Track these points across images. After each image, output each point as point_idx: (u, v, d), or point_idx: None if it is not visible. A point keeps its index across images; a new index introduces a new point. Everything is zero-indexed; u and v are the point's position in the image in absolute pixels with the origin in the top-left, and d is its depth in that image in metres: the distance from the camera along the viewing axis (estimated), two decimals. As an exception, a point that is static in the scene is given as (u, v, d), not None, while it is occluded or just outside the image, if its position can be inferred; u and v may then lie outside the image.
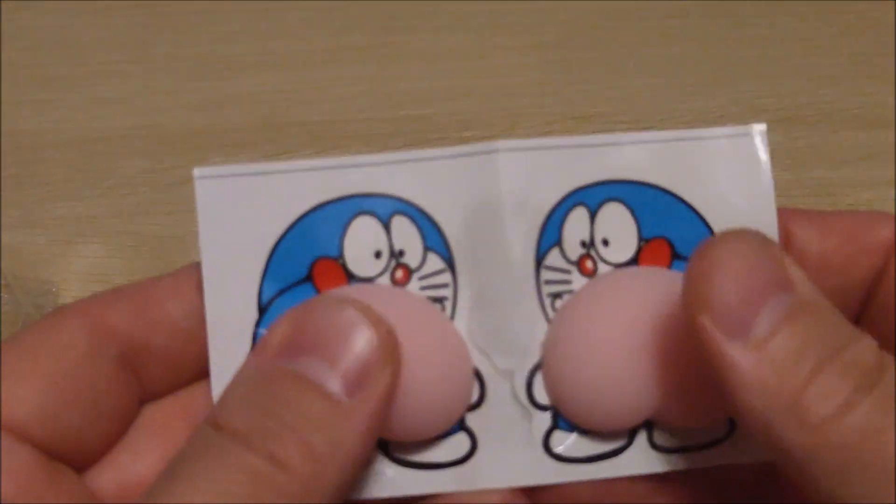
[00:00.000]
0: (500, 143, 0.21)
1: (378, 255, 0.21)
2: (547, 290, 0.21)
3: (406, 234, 0.21)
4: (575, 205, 0.22)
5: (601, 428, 0.21)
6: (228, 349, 0.21)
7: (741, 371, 0.18)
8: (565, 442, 0.21)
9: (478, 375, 0.21)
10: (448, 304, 0.22)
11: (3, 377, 0.20)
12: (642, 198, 0.22)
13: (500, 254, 0.21)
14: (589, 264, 0.22)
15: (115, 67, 0.37)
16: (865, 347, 0.18)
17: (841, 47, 0.38)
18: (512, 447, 0.21)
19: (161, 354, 0.21)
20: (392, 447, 0.21)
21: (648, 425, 0.22)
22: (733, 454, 0.22)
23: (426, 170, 0.21)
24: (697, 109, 0.38)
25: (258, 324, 0.21)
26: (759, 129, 0.22)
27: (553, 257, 0.22)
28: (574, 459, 0.21)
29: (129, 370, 0.21)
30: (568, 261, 0.22)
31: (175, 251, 0.35)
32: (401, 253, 0.21)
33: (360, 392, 0.18)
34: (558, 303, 0.22)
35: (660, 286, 0.21)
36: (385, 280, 0.21)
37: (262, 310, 0.21)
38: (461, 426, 0.21)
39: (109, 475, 0.21)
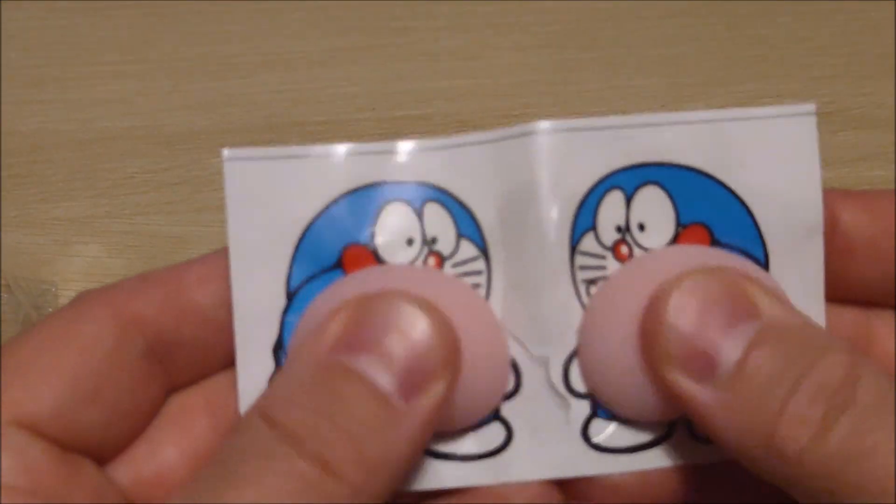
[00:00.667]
0: (535, 126, 0.20)
1: (410, 242, 0.21)
2: (581, 276, 0.21)
3: (439, 222, 0.21)
4: (610, 188, 0.21)
5: (641, 417, 0.21)
6: (255, 337, 0.21)
7: (713, 415, 0.18)
8: (605, 431, 0.21)
9: (513, 364, 0.21)
10: (482, 292, 0.21)
11: (22, 372, 0.19)
12: (681, 181, 0.21)
13: (534, 240, 0.20)
14: (624, 249, 0.21)
15: (115, 68, 0.37)
16: (834, 362, 0.17)
17: (841, 47, 0.38)
18: (549, 437, 0.21)
19: (190, 345, 0.21)
20: None
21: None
22: None
23: (459, 156, 0.21)
24: (697, 109, 0.38)
25: (286, 311, 0.21)
26: (808, 108, 0.21)
27: (587, 243, 0.21)
28: (614, 450, 0.21)
29: (157, 362, 0.21)
30: (603, 246, 0.21)
31: (175, 251, 0.35)
32: (433, 240, 0.21)
33: (417, 397, 0.18)
34: (593, 289, 0.21)
35: (694, 261, 0.20)
36: None
37: (291, 296, 0.21)
38: (496, 416, 0.21)
39: (129, 467, 0.21)
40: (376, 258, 0.21)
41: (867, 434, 0.16)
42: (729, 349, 0.18)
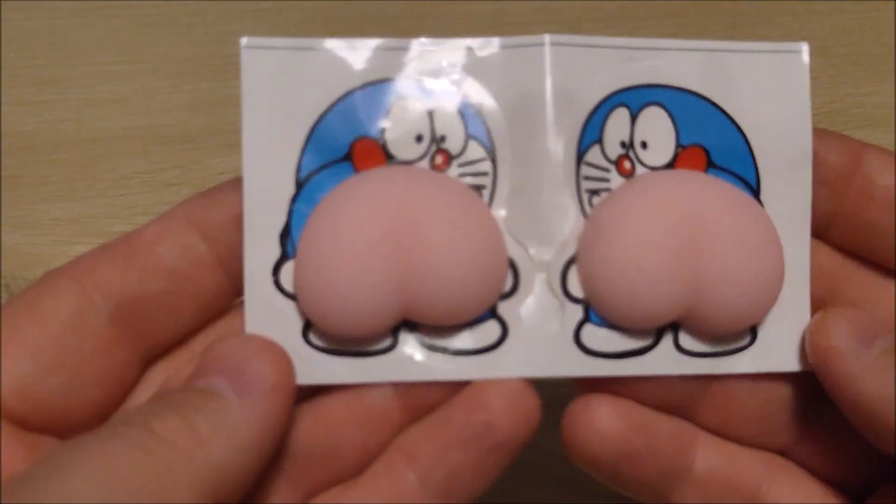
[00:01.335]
0: (549, 37, 0.21)
1: (419, 138, 0.21)
2: (586, 185, 0.22)
3: (449, 121, 0.21)
4: (617, 105, 0.22)
5: (632, 324, 0.21)
6: (263, 223, 0.21)
7: (864, 378, 0.20)
8: (596, 335, 0.21)
9: (512, 265, 0.21)
10: (486, 193, 0.22)
11: None
12: (683, 104, 0.22)
13: (542, 146, 0.21)
14: (627, 165, 0.22)
15: (114, 68, 0.37)
16: None
17: (841, 47, 0.38)
18: (542, 337, 0.21)
19: (158, 301, 0.21)
20: (421, 331, 0.21)
21: (675, 329, 0.22)
22: (755, 363, 0.22)
23: (471, 58, 0.21)
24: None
25: (294, 199, 0.21)
26: (803, 48, 0.22)
27: (593, 154, 0.22)
28: (602, 354, 0.21)
29: (127, 326, 0.21)
30: (608, 159, 0.22)
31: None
32: (442, 138, 0.21)
33: (251, 396, 0.19)
34: (595, 200, 0.22)
35: (697, 188, 0.21)
36: (425, 164, 0.21)
37: (300, 185, 0.21)
38: (492, 314, 0.21)
39: None
40: (385, 152, 0.21)
41: None
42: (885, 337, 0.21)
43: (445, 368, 0.21)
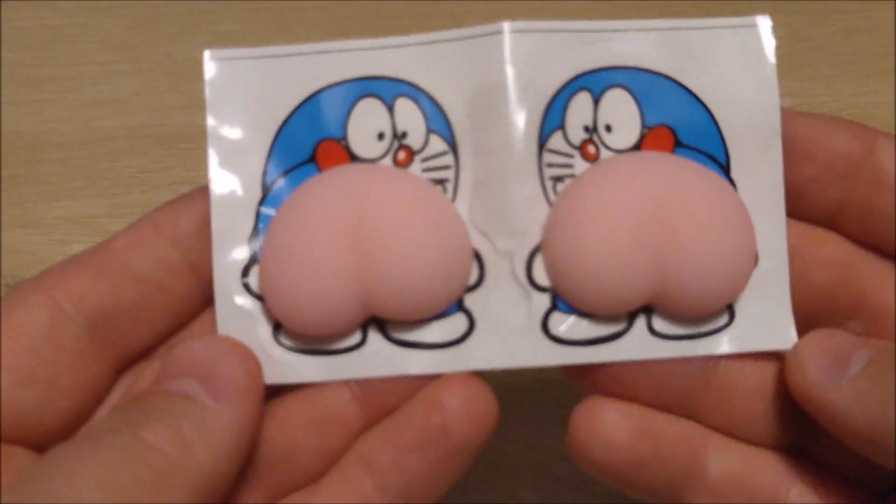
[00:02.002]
0: (506, 25, 0.21)
1: (381, 136, 0.22)
2: (549, 172, 0.21)
3: (409, 116, 0.22)
4: (579, 89, 0.22)
5: (599, 310, 0.21)
6: (231, 227, 0.21)
7: (843, 409, 0.20)
8: (564, 323, 0.21)
9: (477, 257, 0.21)
10: (450, 186, 0.22)
11: None
12: (646, 85, 0.22)
13: (503, 136, 0.21)
14: (591, 149, 0.22)
15: (114, 67, 0.37)
16: None
17: (841, 47, 0.38)
18: (509, 328, 0.21)
19: (131, 310, 0.21)
20: (389, 326, 0.21)
21: (648, 312, 0.22)
22: (733, 343, 0.22)
23: (431, 52, 0.22)
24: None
25: (261, 202, 0.21)
26: (763, 21, 0.22)
27: (555, 141, 0.21)
28: (572, 342, 0.21)
29: (101, 336, 0.21)
30: (571, 145, 0.22)
31: (174, 251, 0.35)
32: (403, 134, 0.22)
33: (225, 398, 0.19)
34: (559, 186, 0.21)
35: (663, 170, 0.21)
36: (387, 161, 0.22)
37: (267, 189, 0.21)
38: (459, 307, 0.21)
39: None
40: (348, 152, 0.22)
41: None
42: (857, 357, 0.20)
43: (414, 363, 0.21)
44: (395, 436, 0.21)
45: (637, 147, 0.22)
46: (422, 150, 0.22)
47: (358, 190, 0.21)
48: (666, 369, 0.22)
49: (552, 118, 0.21)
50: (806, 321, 0.23)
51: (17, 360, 0.20)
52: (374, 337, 0.21)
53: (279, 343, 0.21)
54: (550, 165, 0.21)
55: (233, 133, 0.21)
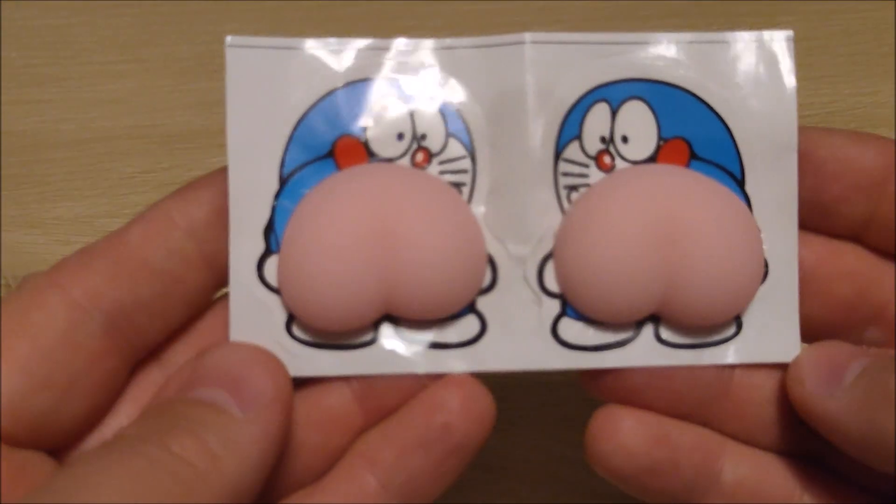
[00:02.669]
0: (528, 35, 0.21)
1: (401, 136, 0.22)
2: (564, 182, 0.22)
3: (429, 119, 0.22)
4: (597, 100, 0.22)
5: (607, 318, 0.22)
6: (247, 218, 0.21)
7: (839, 419, 0.20)
8: (572, 329, 0.22)
9: (491, 261, 0.22)
10: (466, 190, 0.22)
11: None
12: (664, 97, 0.22)
13: (521, 143, 0.21)
14: (607, 160, 0.22)
15: (115, 67, 0.37)
16: None
17: (841, 47, 0.38)
18: (520, 332, 0.22)
19: (148, 305, 0.21)
20: (403, 325, 0.22)
21: (655, 321, 0.22)
22: (739, 354, 0.22)
23: (452, 57, 0.22)
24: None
25: (278, 195, 0.22)
26: (786, 34, 0.22)
27: (572, 150, 0.22)
28: (580, 347, 0.22)
29: (118, 335, 0.21)
30: (587, 155, 0.22)
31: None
32: (423, 136, 0.22)
33: (253, 410, 0.19)
34: (574, 196, 0.22)
35: (674, 183, 0.21)
36: (405, 161, 0.22)
37: (284, 181, 0.22)
38: (471, 309, 0.22)
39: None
40: (367, 150, 0.22)
41: None
42: (853, 368, 0.21)
43: (425, 362, 0.22)
44: (399, 434, 0.21)
45: (653, 159, 0.22)
46: (440, 152, 0.22)
47: (384, 189, 0.21)
48: (682, 379, 0.22)
49: (570, 128, 0.22)
50: (826, 333, 0.23)
51: (35, 364, 0.20)
52: (387, 334, 0.22)
53: (292, 335, 0.22)
54: (566, 174, 0.22)
55: (251, 122, 0.21)
